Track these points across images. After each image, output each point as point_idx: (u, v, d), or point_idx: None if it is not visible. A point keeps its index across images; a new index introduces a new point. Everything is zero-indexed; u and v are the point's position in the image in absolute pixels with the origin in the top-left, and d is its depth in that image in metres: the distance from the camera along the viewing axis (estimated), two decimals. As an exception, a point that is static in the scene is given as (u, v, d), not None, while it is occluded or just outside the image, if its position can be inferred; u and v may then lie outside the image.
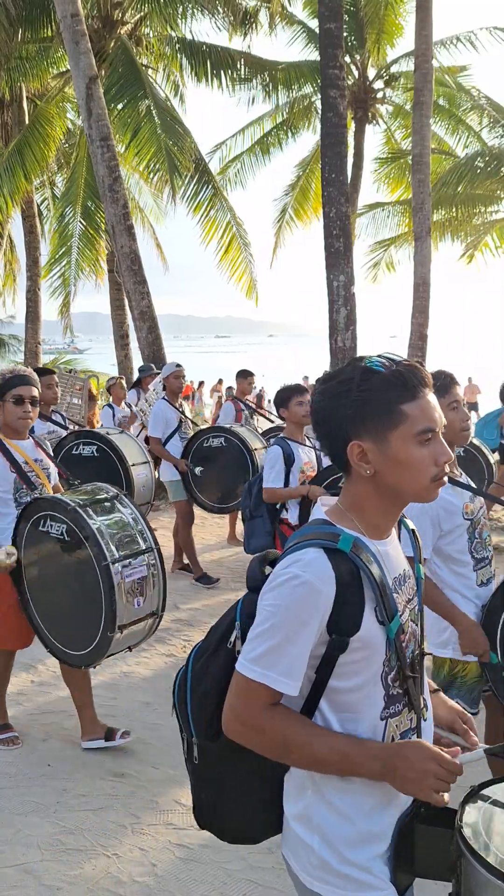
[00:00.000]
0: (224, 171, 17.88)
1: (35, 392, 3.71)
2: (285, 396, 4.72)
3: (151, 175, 12.81)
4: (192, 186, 13.63)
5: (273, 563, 1.55)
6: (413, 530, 1.64)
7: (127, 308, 12.74)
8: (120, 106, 12.47)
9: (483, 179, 15.97)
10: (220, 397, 22.47)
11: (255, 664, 1.39)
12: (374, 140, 20.26)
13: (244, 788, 1.60)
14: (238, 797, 1.62)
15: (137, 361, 13.58)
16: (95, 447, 6.58)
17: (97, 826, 3.15)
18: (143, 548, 3.56)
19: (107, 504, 3.62)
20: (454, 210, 17.27)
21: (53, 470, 3.91)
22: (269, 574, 1.48)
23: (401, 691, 1.48)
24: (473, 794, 1.47)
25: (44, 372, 6.00)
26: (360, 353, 11.02)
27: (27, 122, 15.32)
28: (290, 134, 17.92)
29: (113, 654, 3.60)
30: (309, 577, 1.37)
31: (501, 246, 18.82)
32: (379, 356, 1.46)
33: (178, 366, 6.80)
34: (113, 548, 3.41)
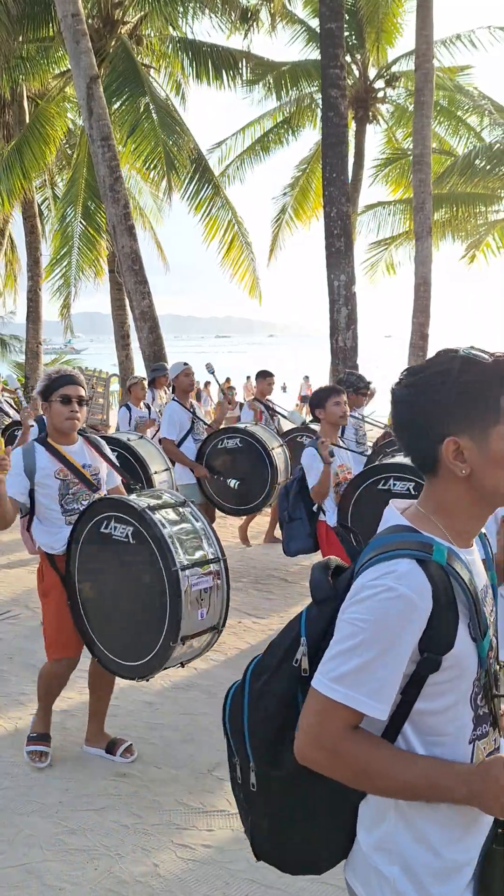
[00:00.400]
0: (224, 171, 17.91)
1: (82, 392, 3.56)
2: (322, 396, 4.70)
3: (149, 171, 12.81)
4: (192, 185, 13.63)
5: (336, 573, 1.44)
6: (484, 533, 1.51)
7: (128, 308, 12.74)
8: (118, 104, 12.48)
9: (482, 178, 15.96)
10: (223, 396, 22.38)
11: (338, 683, 1.27)
12: (375, 140, 20.26)
13: (310, 817, 1.46)
14: (303, 826, 1.48)
15: (138, 361, 13.58)
16: (116, 454, 6.41)
17: (99, 826, 3.15)
18: (210, 556, 3.39)
19: (175, 509, 3.46)
20: (455, 209, 17.27)
21: (105, 474, 3.72)
22: (336, 585, 1.39)
23: (487, 711, 1.38)
24: None
25: None
26: (360, 352, 11.03)
27: (27, 121, 15.33)
28: (290, 132, 17.95)
29: (167, 668, 3.40)
30: (405, 591, 1.25)
31: (503, 246, 18.80)
32: (470, 348, 1.34)
33: (186, 364, 6.67)
34: (182, 553, 3.24)
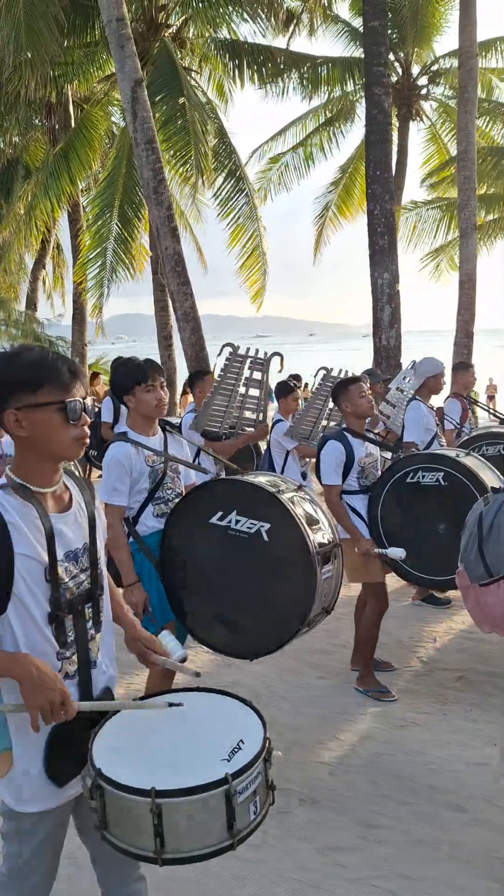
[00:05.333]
0: (266, 171, 17.99)
1: None
2: None
3: (178, 169, 12.92)
4: (225, 190, 13.71)
5: None
6: None
7: (171, 309, 12.84)
8: (160, 106, 12.58)
9: None
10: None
11: None
12: (419, 137, 20.05)
13: None
14: None
15: (181, 362, 13.67)
16: (442, 474, 4.41)
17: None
18: None
19: None
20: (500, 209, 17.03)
21: None
22: None
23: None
24: None
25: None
26: (404, 351, 10.93)
27: (73, 125, 15.56)
28: (334, 131, 17.92)
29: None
30: None
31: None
32: None
33: (443, 364, 5.90)
34: None
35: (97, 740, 1.81)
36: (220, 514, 3.25)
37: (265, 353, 5.21)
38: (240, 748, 1.77)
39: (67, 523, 1.89)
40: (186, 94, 12.58)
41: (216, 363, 5.42)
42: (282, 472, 6.25)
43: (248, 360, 5.00)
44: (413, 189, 19.16)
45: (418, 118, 18.00)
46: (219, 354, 5.20)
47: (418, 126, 18.32)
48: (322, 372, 6.14)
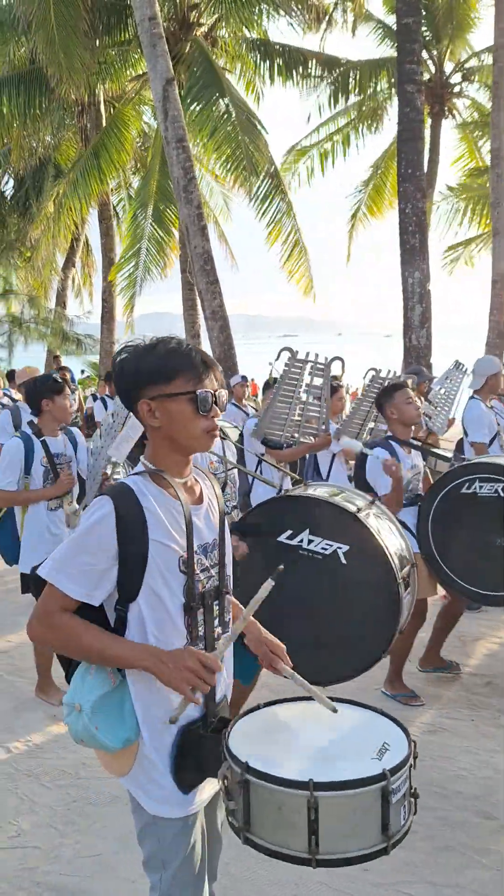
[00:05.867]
0: (296, 171, 17.91)
1: None
2: None
3: (228, 175, 12.92)
4: (262, 190, 13.71)
5: None
6: None
7: (199, 308, 12.86)
8: (198, 107, 12.58)
9: None
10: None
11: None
12: (451, 135, 19.74)
13: None
14: None
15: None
16: (502, 485, 4.12)
17: (171, 821, 3.15)
18: None
19: None
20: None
21: None
22: None
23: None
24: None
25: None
26: (434, 351, 10.82)
27: (104, 125, 15.65)
28: (363, 131, 17.81)
29: None
30: None
31: None
32: None
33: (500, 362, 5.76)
34: None
35: (232, 740, 1.72)
36: (289, 532, 3.06)
37: (325, 358, 4.99)
38: (387, 749, 1.69)
39: (199, 516, 1.87)
40: (229, 92, 12.60)
41: (272, 368, 5.25)
42: (328, 476, 6.07)
43: (309, 365, 4.79)
44: (445, 187, 18.95)
45: (451, 116, 17.82)
46: (276, 359, 5.04)
47: (451, 123, 18.15)
48: (371, 373, 5.97)
